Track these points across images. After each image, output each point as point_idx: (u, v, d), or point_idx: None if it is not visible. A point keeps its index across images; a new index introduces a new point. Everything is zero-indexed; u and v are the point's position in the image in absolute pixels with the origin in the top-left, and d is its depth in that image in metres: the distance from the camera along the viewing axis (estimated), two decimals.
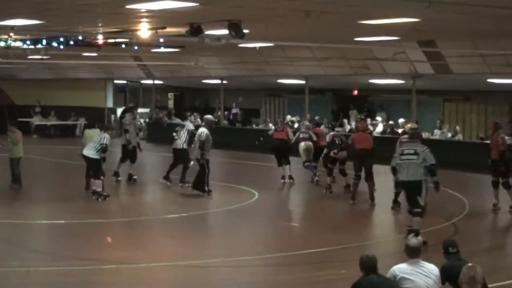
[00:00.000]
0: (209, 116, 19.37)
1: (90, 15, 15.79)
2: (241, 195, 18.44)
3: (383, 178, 17.91)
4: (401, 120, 27.63)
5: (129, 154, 20.49)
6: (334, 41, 20.07)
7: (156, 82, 37.90)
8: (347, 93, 33.83)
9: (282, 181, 20.67)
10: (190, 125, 20.03)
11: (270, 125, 31.49)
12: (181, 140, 19.55)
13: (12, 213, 16.46)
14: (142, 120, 37.44)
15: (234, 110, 35.86)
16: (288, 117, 31.95)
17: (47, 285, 10.81)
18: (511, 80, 25.14)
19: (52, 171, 23.00)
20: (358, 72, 26.62)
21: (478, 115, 28.79)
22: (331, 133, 19.69)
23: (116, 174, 20.55)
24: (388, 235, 14.87)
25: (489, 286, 7.69)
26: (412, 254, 7.73)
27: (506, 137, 16.45)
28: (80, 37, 20.15)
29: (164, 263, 11.97)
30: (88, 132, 19.63)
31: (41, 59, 27.17)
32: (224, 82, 33.25)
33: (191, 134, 19.35)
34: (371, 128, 27.36)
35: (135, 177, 20.65)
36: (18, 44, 20.81)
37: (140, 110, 38.64)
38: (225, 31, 15.29)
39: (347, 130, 27.56)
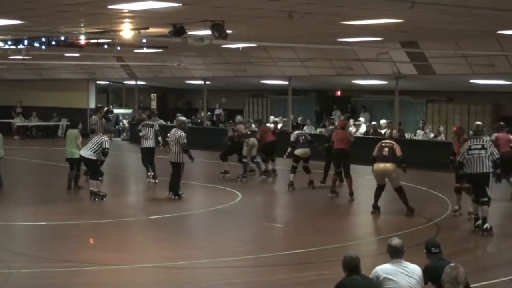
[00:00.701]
0: (181, 118, 19.24)
1: (72, 15, 15.70)
2: (224, 196, 18.40)
3: (367, 178, 17.97)
4: (383, 121, 27.71)
5: None
6: (317, 42, 20.09)
7: (139, 82, 37.80)
8: (331, 94, 33.88)
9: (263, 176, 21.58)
10: (157, 126, 20.74)
11: (253, 125, 31.47)
12: (151, 139, 20.02)
13: None
14: (125, 121, 37.38)
15: (217, 111, 35.84)
16: (272, 117, 31.95)
17: (28, 287, 10.74)
18: (493, 81, 25.27)
19: (34, 172, 22.87)
20: (341, 73, 26.65)
21: (461, 115, 28.90)
22: (296, 132, 20.19)
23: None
24: (371, 236, 14.89)
25: (471, 286, 7.70)
26: (395, 254, 7.73)
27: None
28: (62, 38, 20.07)
29: (147, 265, 11.92)
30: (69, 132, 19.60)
31: (23, 59, 27.02)
32: (207, 82, 33.21)
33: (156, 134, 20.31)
34: (353, 129, 27.42)
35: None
36: None
37: (122, 111, 38.70)
38: (208, 32, 15.27)
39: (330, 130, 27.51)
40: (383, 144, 15.86)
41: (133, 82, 37.66)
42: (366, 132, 27.79)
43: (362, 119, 29.81)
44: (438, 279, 7.18)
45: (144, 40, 20.85)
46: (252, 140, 21.32)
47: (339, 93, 33.57)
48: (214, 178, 21.65)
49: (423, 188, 19.87)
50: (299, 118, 30.98)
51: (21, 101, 39.48)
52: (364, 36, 19.81)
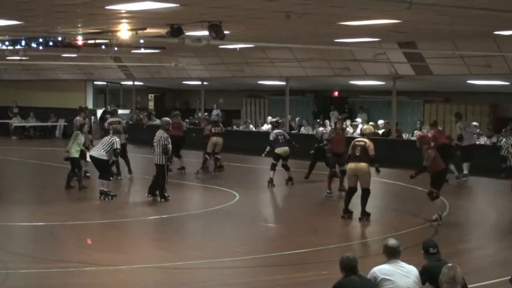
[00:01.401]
0: (165, 118, 19.13)
1: (70, 16, 15.71)
2: (221, 197, 18.40)
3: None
4: (381, 122, 27.73)
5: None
6: (315, 42, 20.09)
7: (136, 83, 37.81)
8: (328, 94, 33.88)
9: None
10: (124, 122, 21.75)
11: (251, 126, 31.53)
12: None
13: None
14: (124, 122, 37.31)
15: (214, 111, 35.80)
16: (269, 118, 31.96)
17: None
18: (490, 81, 25.28)
19: (31, 173, 22.87)
20: (339, 73, 26.66)
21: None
22: (275, 131, 20.59)
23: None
24: (368, 236, 14.88)
25: (469, 286, 7.71)
26: (391, 254, 7.74)
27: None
28: (60, 38, 20.07)
29: (145, 265, 11.92)
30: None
31: (20, 60, 26.98)
32: (205, 83, 33.21)
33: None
34: (350, 129, 27.44)
35: (88, 174, 20.99)
36: None
37: (120, 111, 38.65)
38: (206, 32, 15.27)
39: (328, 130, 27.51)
40: (356, 143, 15.51)
41: (130, 83, 37.66)
42: None
43: (359, 119, 29.82)
44: (436, 280, 7.18)
45: (142, 41, 20.85)
46: (217, 138, 22.42)
47: (336, 93, 33.58)
48: (211, 179, 21.66)
49: (420, 188, 19.85)
50: (297, 119, 31.01)
51: (16, 101, 39.43)
52: (362, 37, 19.83)
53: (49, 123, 38.77)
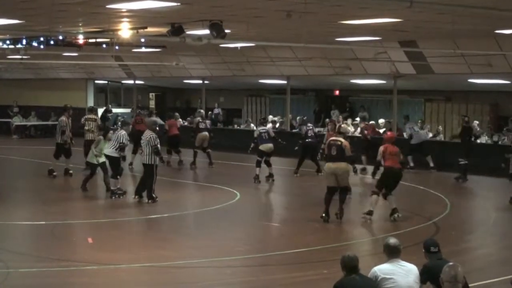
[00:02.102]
0: (152, 118, 19.07)
1: (70, 15, 15.70)
2: (222, 196, 18.40)
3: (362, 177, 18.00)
4: (381, 120, 27.70)
5: (64, 151, 21.39)
6: (316, 41, 20.07)
7: (137, 82, 37.80)
8: (329, 93, 33.87)
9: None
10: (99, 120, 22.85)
11: (252, 125, 31.47)
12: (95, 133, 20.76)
13: None
14: (100, 120, 37.21)
15: (216, 110, 35.83)
16: (270, 117, 31.92)
17: (28, 287, 10.74)
18: (491, 80, 25.27)
19: (32, 172, 22.84)
20: (340, 72, 26.65)
21: (459, 115, 28.88)
22: (259, 128, 21.10)
23: (51, 170, 21.46)
24: (369, 236, 14.88)
25: (470, 285, 7.70)
26: (392, 253, 7.73)
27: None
28: (61, 37, 20.06)
29: (145, 264, 11.92)
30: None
31: (21, 59, 27.02)
32: (206, 82, 33.20)
33: None
34: (351, 128, 27.41)
35: (71, 171, 21.45)
36: None
37: (121, 110, 38.67)
38: (207, 31, 15.26)
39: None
40: (331, 142, 15.27)
41: (131, 82, 37.66)
42: None
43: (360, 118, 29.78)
44: (436, 279, 7.17)
45: (143, 40, 20.86)
46: (204, 133, 23.48)
47: (337, 92, 33.56)
48: (212, 178, 21.65)
49: (422, 187, 19.88)
50: (298, 118, 30.97)
51: (17, 101, 39.43)
52: (363, 36, 19.82)
53: (49, 122, 38.73)
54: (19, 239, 14.19)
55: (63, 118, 21.48)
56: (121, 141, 17.61)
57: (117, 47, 21.95)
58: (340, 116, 30.43)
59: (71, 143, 21.46)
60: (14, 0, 13.61)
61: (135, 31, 18.03)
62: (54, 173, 21.39)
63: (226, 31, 15.37)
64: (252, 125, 30.95)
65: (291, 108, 30.24)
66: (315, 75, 28.08)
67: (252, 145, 20.96)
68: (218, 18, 15.01)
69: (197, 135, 23.55)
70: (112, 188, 17.88)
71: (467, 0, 11.64)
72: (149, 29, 17.85)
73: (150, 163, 17.06)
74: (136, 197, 17.53)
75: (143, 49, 24.20)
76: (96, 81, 39.41)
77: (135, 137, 21.94)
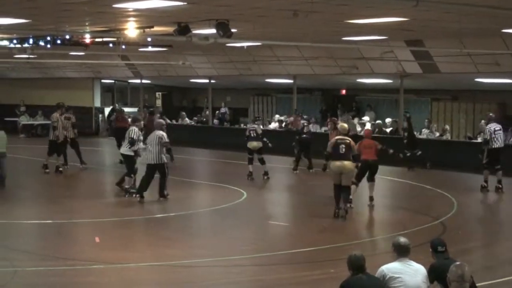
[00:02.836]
0: (159, 120, 19.10)
1: (77, 14, 15.71)
2: (229, 195, 18.40)
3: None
4: (388, 120, 27.68)
5: (56, 148, 22.08)
6: (322, 41, 20.05)
7: (144, 81, 37.83)
8: (336, 93, 33.83)
9: None
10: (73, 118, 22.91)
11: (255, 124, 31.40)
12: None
13: None
14: (129, 120, 37.29)
15: (222, 110, 35.83)
16: (277, 116, 31.93)
17: (34, 286, 10.76)
18: (498, 80, 25.21)
19: (39, 171, 22.86)
20: (346, 72, 26.63)
21: (466, 114, 28.84)
22: (249, 125, 21.83)
23: (45, 166, 22.13)
24: (376, 235, 14.87)
25: (477, 285, 7.68)
26: (402, 253, 7.71)
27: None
28: (67, 36, 20.08)
29: (152, 263, 11.93)
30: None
31: (28, 58, 27.06)
32: (212, 81, 33.21)
33: None
34: (358, 127, 27.40)
35: (61, 169, 22.15)
36: (4, 43, 20.73)
37: (128, 109, 38.71)
38: (213, 30, 15.26)
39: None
40: (339, 141, 15.46)
41: (138, 81, 37.70)
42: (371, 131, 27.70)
43: (367, 117, 29.77)
44: (444, 278, 7.15)
45: (149, 39, 20.86)
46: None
47: (344, 91, 33.53)
48: (219, 177, 21.66)
49: (428, 186, 19.85)
50: (304, 117, 30.92)
51: (23, 100, 39.50)
52: (369, 35, 19.80)
53: None
54: (26, 238, 14.21)
55: (55, 114, 22.18)
56: (131, 136, 17.60)
57: (123, 47, 21.97)
58: (346, 115, 30.46)
59: (67, 140, 22.25)
60: None
61: (141, 30, 18.03)
62: (47, 170, 21.96)
63: (233, 30, 15.37)
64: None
65: (298, 107, 30.19)
66: (321, 75, 28.06)
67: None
68: (224, 17, 15.00)
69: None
70: (126, 186, 17.90)
71: None
72: (156, 29, 17.85)
73: (160, 162, 17.13)
74: (137, 196, 17.41)
75: (150, 49, 24.22)
76: (103, 81, 39.48)
77: (118, 134, 23.73)
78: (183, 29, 15.78)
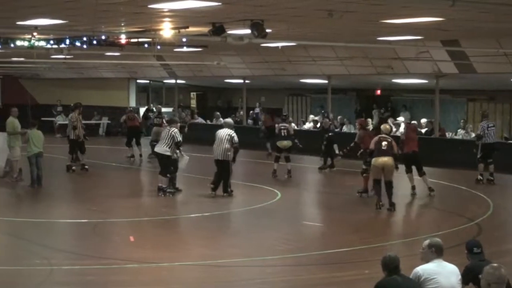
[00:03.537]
0: (229, 120, 19.54)
1: (113, 15, 15.82)
2: (263, 195, 18.41)
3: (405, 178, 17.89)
4: (423, 120, 27.51)
5: (78, 146, 22.76)
6: (357, 41, 20.01)
7: (179, 81, 37.97)
8: (370, 93, 33.70)
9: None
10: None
11: (293, 124, 31.40)
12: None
13: (34, 212, 16.56)
14: (165, 120, 37.48)
15: (257, 110, 35.84)
16: (311, 116, 31.88)
17: (69, 284, 10.86)
18: None
19: (75, 170, 23.06)
20: (381, 72, 26.51)
21: (503, 114, 28.58)
22: (279, 125, 22.06)
23: (69, 167, 22.62)
24: (410, 236, 14.76)
25: None
26: (438, 253, 7.66)
27: None
28: (103, 37, 20.23)
29: (186, 263, 11.98)
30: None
31: (64, 58, 27.30)
32: (247, 81, 33.24)
33: None
34: (393, 128, 27.27)
35: (86, 166, 22.71)
36: (42, 44, 20.92)
37: (163, 109, 38.88)
38: (248, 31, 15.27)
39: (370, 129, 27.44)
40: (381, 138, 16.26)
41: (173, 81, 37.85)
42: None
43: (401, 118, 29.59)
44: (479, 280, 7.10)
45: (184, 39, 20.93)
46: (156, 128, 24.58)
47: (379, 92, 33.38)
48: (253, 177, 21.68)
49: (464, 187, 19.71)
50: (338, 117, 30.85)
51: (60, 100, 39.84)
52: (404, 35, 19.69)
53: (92, 121, 39.09)
54: (62, 237, 14.36)
55: (74, 114, 22.74)
56: (177, 140, 17.74)
57: (158, 47, 22.07)
58: (382, 115, 30.34)
59: (85, 139, 22.87)
60: (58, 0, 13.74)
61: (176, 30, 18.10)
62: (73, 168, 22.51)
63: (267, 30, 15.37)
64: (293, 124, 30.89)
65: (332, 107, 30.14)
66: (356, 75, 27.97)
67: (261, 134, 22.33)
68: (259, 17, 15.01)
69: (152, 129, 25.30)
70: (161, 185, 17.97)
71: None
72: (191, 29, 17.92)
73: (226, 159, 17.66)
74: (213, 193, 17.90)
75: (185, 49, 24.31)
76: (138, 81, 39.69)
77: (129, 133, 26.28)
78: (218, 30, 15.81)
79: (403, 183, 18.38)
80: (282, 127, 21.56)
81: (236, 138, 17.77)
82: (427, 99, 30.62)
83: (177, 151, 17.87)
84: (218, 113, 33.18)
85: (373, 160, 16.19)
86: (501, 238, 13.99)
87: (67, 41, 20.51)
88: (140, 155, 26.12)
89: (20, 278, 11.07)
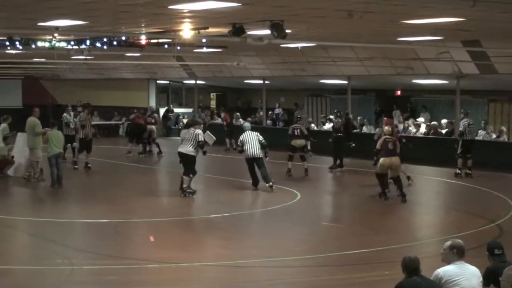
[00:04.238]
0: (246, 123, 20.40)
1: (133, 16, 15.87)
2: (283, 195, 18.40)
3: (425, 178, 17.81)
4: (444, 121, 27.39)
5: (86, 145, 23.40)
6: (377, 41, 19.96)
7: (199, 82, 38.03)
8: (390, 93, 33.59)
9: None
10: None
11: (313, 125, 31.41)
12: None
13: (55, 212, 16.66)
14: (185, 120, 37.56)
15: (276, 110, 35.83)
16: (331, 117, 31.80)
17: (90, 284, 10.92)
18: None
19: (95, 170, 23.18)
20: (401, 72, 26.42)
21: None
22: (292, 125, 22.94)
23: (75, 163, 23.36)
24: (430, 237, 14.70)
25: None
26: (459, 255, 7.63)
27: None
28: (123, 38, 20.31)
29: (206, 263, 12.01)
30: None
31: (85, 59, 27.42)
32: (266, 82, 33.23)
33: None
34: (413, 129, 27.17)
35: (89, 165, 23.33)
36: (62, 44, 21.03)
37: (182, 110, 38.99)
38: (268, 31, 15.27)
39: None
40: (387, 139, 17.43)
41: (192, 82, 37.92)
42: (426, 133, 27.47)
43: (421, 119, 29.49)
44: (500, 281, 7.07)
45: (204, 40, 20.96)
46: (151, 126, 27.74)
47: (399, 92, 33.27)
48: (273, 178, 21.64)
49: (485, 189, 19.60)
50: (358, 118, 30.78)
51: (80, 101, 39.98)
52: (425, 35, 19.61)
53: (112, 122, 39.25)
54: (83, 237, 14.43)
55: (83, 114, 23.67)
56: (200, 139, 17.95)
57: (178, 48, 22.13)
58: (400, 116, 30.24)
59: (96, 137, 23.94)
60: (80, 1, 13.81)
61: (196, 31, 18.13)
62: (76, 166, 23.17)
63: (287, 31, 15.36)
64: (312, 125, 30.89)
65: (352, 108, 30.07)
66: (376, 75, 27.88)
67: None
68: (279, 18, 15.00)
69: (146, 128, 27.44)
70: (184, 185, 18.02)
71: None
72: (211, 30, 17.94)
73: (258, 156, 19.00)
74: (256, 188, 19.08)
75: (204, 49, 24.34)
76: (158, 81, 39.79)
77: (135, 130, 27.68)
78: (238, 30, 15.81)
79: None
80: (295, 127, 22.45)
81: (261, 138, 19.20)
82: (447, 100, 30.47)
83: (203, 149, 18.18)
84: (238, 113, 33.21)
85: (382, 159, 17.38)
86: None
87: (88, 42, 20.60)
88: (150, 151, 27.73)
89: (41, 277, 11.14)
